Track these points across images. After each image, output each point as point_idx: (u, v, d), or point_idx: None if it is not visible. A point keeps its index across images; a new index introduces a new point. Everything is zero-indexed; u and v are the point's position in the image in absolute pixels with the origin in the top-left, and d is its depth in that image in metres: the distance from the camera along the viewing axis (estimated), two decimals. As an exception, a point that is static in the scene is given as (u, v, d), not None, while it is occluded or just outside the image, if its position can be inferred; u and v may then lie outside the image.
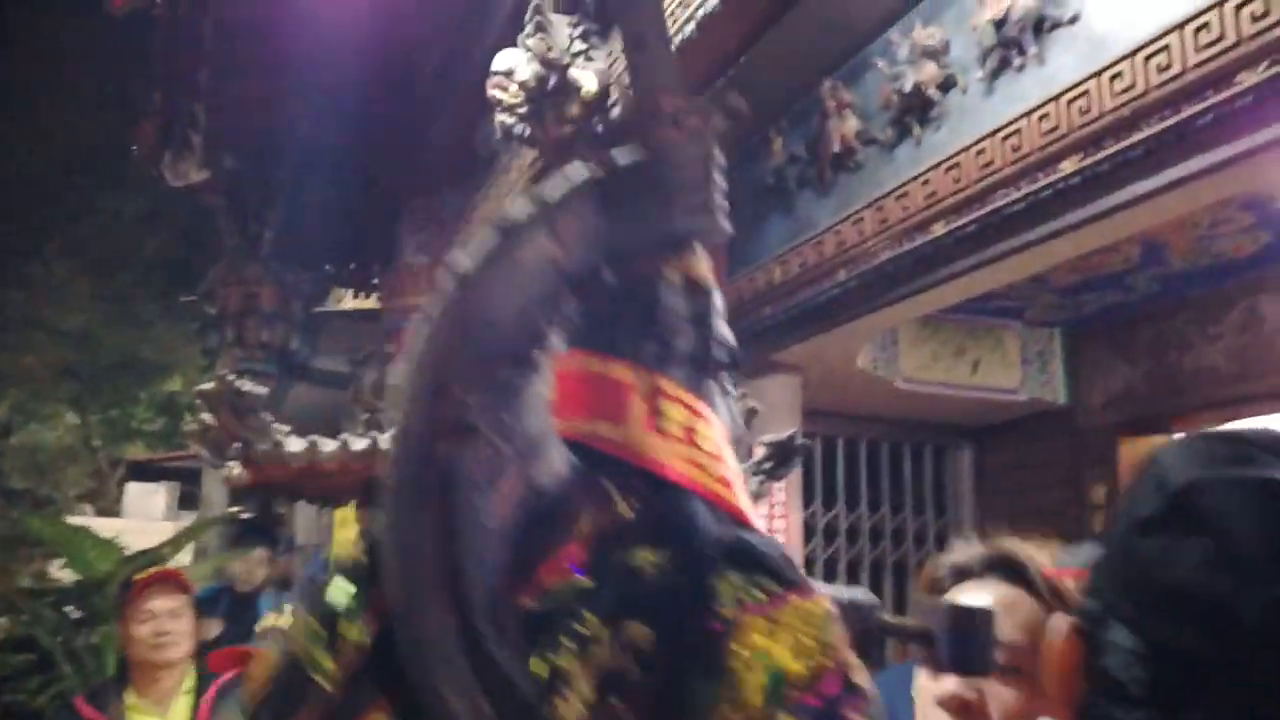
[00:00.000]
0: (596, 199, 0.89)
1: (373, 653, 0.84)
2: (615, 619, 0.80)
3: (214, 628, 5.26)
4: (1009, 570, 1.43)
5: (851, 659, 0.82)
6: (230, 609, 5.91)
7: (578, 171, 0.90)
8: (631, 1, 1.09)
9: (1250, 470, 0.69)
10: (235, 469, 2.04)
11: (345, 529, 2.99)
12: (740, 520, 0.91)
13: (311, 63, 5.11)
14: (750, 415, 2.41)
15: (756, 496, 2.62)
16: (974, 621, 0.96)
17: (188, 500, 16.13)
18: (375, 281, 7.48)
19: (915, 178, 3.24)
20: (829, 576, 5.53)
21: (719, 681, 0.77)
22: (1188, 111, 2.69)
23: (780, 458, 2.81)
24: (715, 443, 0.94)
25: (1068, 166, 2.71)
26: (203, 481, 11.41)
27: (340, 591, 0.88)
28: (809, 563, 4.91)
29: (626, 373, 0.91)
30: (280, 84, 5.39)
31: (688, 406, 0.92)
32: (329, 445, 1.57)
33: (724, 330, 1.02)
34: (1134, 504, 0.75)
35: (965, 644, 0.98)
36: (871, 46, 3.47)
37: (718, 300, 1.02)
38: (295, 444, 1.61)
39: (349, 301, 8.52)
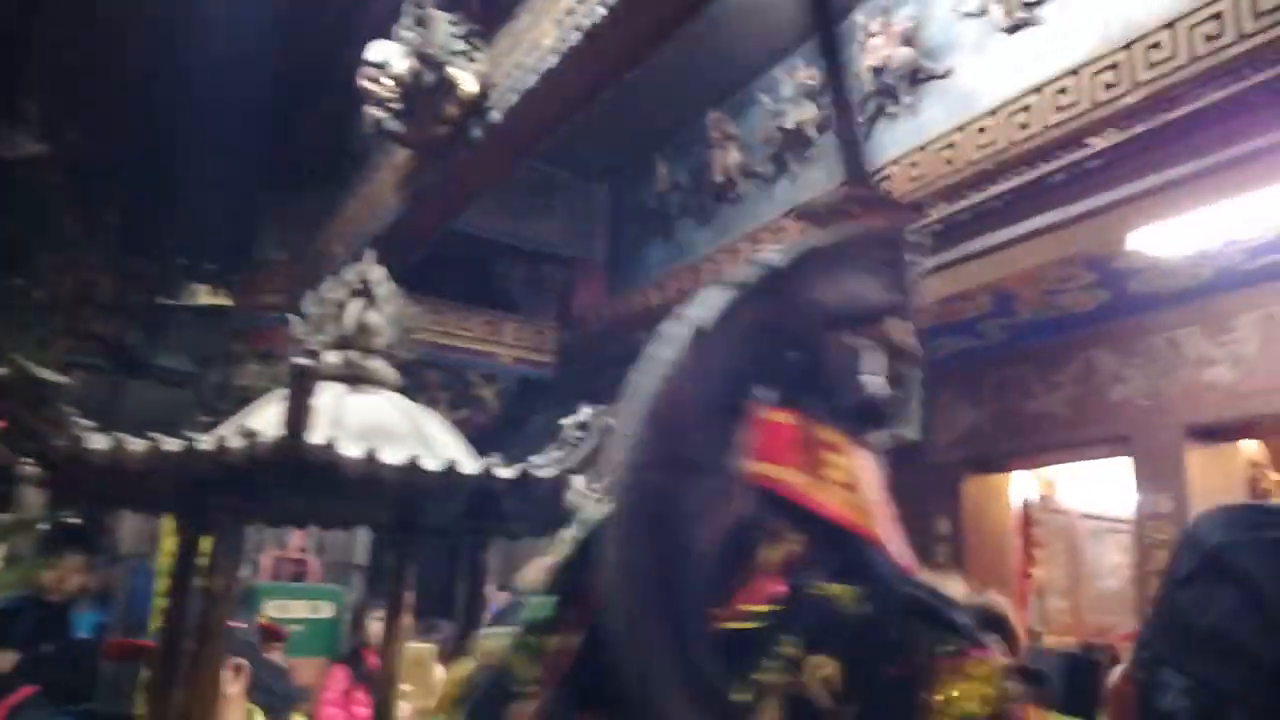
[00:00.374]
0: (815, 268, 0.99)
1: (576, 667, 0.91)
2: (812, 647, 0.85)
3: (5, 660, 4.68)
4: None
5: (1019, 709, 0.88)
6: (38, 620, 5.44)
7: (803, 241, 1.00)
8: (844, 107, 1.26)
9: (1272, 533, 0.82)
10: (31, 466, 1.85)
11: (170, 539, 2.78)
12: (905, 569, 0.99)
13: (170, 41, 4.83)
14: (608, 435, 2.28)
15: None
16: (1087, 667, 1.03)
17: (3, 502, 14.91)
18: (230, 277, 7.13)
19: (789, 213, 3.31)
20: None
21: None
22: (1044, 168, 2.84)
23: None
24: (875, 491, 1.04)
25: (932, 214, 2.81)
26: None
27: (540, 608, 0.96)
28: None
29: (800, 421, 0.99)
30: (135, 59, 5.07)
31: (851, 456, 1.01)
32: (137, 445, 1.44)
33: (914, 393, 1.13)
34: (1175, 566, 0.87)
35: (1077, 687, 1.08)
36: (757, 82, 3.53)
37: (917, 366, 1.11)
38: (98, 441, 1.48)
39: (203, 297, 8.08)
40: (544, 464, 1.65)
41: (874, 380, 1.06)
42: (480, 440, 1.92)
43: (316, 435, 1.46)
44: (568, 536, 0.99)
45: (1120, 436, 4.56)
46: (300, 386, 1.44)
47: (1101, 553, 6.17)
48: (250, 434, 1.46)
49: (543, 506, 1.56)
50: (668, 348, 0.91)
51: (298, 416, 1.44)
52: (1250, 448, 4.52)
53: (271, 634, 2.91)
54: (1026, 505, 5.53)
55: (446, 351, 6.00)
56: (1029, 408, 5.02)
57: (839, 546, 0.95)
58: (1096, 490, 6.21)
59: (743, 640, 0.88)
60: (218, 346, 7.14)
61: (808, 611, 0.88)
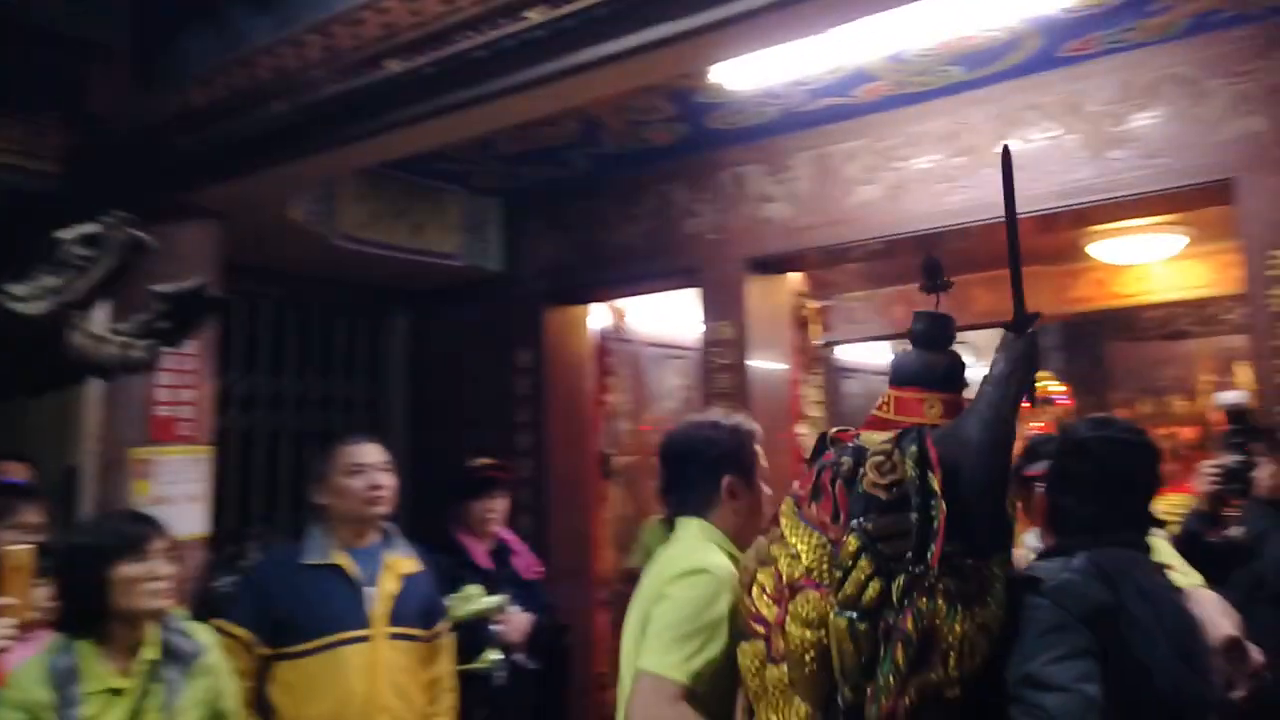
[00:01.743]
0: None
1: None
2: None
3: None
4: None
5: None
6: None
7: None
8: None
9: (1111, 432, 1.89)
10: None
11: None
12: None
13: None
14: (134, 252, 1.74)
15: (142, 365, 2.07)
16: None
17: None
18: None
19: (370, 4, 2.87)
20: (247, 447, 5.08)
21: None
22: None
23: (183, 314, 2.25)
24: None
25: (535, 16, 2.56)
26: None
27: None
28: (224, 433, 4.41)
29: None
30: None
31: None
32: None
33: None
34: (1061, 444, 1.96)
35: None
36: None
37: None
38: None
39: None
40: (29, 293, 1.21)
41: None
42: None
43: None
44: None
45: (691, 268, 4.78)
46: None
47: (663, 377, 6.63)
48: None
49: (33, 353, 1.14)
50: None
51: None
52: (795, 279, 4.96)
53: None
54: (602, 335, 5.70)
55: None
56: (610, 240, 5.09)
57: None
58: (660, 319, 6.59)
59: None
60: None
61: None
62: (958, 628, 1.53)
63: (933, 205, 4.15)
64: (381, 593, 2.70)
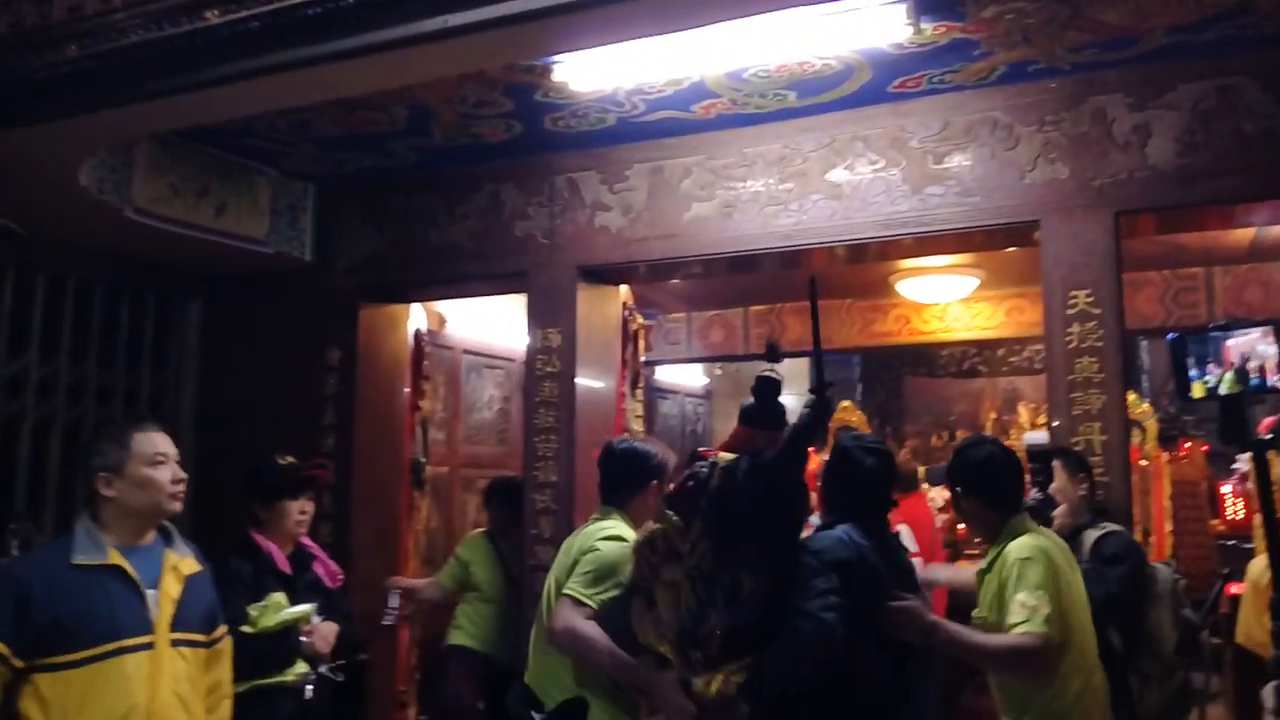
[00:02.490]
0: None
1: None
2: None
3: None
4: None
5: None
6: None
7: None
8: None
9: (870, 443, 2.73)
10: None
11: None
12: None
13: None
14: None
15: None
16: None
17: None
18: None
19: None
20: (8, 439, 4.53)
21: None
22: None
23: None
24: None
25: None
26: None
27: None
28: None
29: None
30: None
31: None
32: None
33: None
34: (832, 458, 2.77)
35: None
36: None
37: None
38: None
39: None
40: None
41: None
42: None
43: None
44: None
45: (519, 272, 4.66)
46: None
47: (481, 387, 6.45)
48: None
49: None
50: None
51: None
52: (624, 291, 4.93)
53: None
54: (419, 337, 5.48)
55: None
56: (434, 237, 4.89)
57: None
58: (481, 326, 6.43)
59: None
60: None
61: None
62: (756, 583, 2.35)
63: (762, 227, 4.21)
64: (164, 596, 2.44)
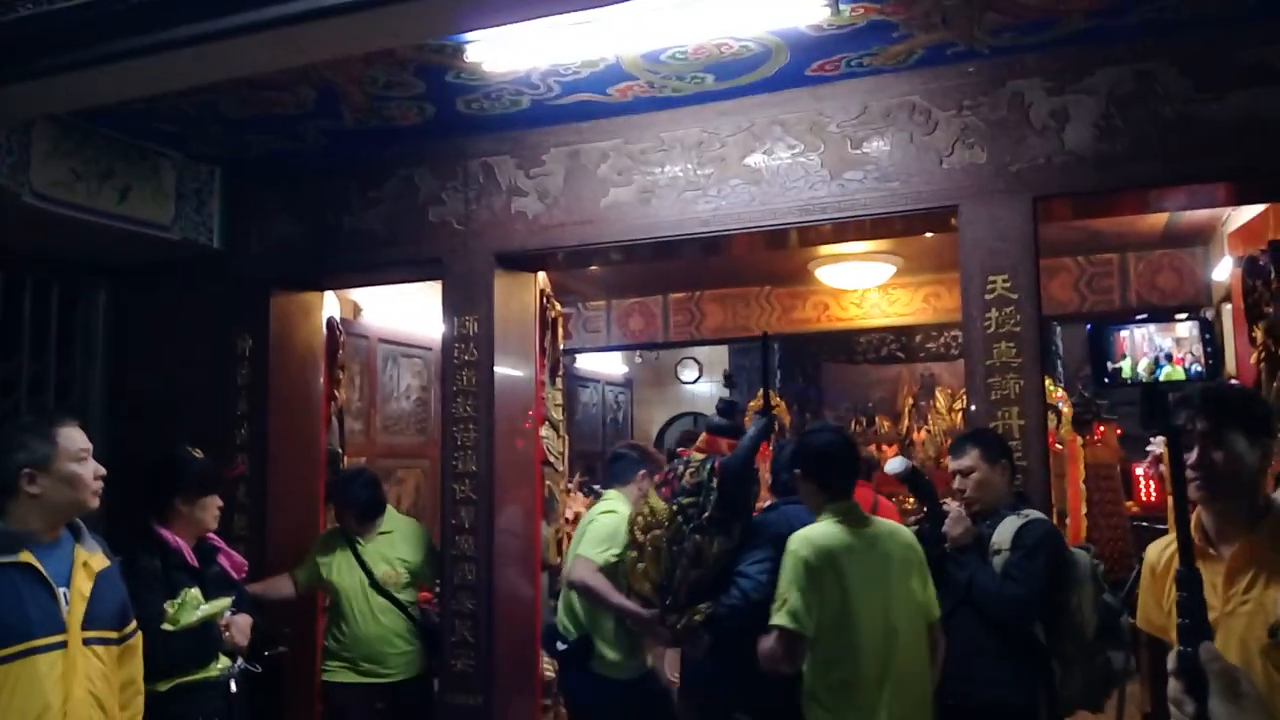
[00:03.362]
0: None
1: None
2: None
3: None
4: None
5: None
6: None
7: None
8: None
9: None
10: None
11: None
12: None
13: None
14: None
15: None
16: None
17: None
18: None
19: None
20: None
21: None
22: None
23: None
24: None
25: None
26: None
27: None
28: None
29: None
30: None
31: None
32: None
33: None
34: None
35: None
36: None
37: None
38: None
39: None
40: None
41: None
42: None
43: None
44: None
45: (435, 258, 4.56)
46: None
47: (397, 375, 6.33)
48: None
49: None
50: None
51: None
52: (542, 279, 4.87)
53: None
54: (333, 325, 5.34)
55: None
56: (346, 223, 4.76)
57: None
58: (396, 315, 6.30)
59: None
60: None
61: None
62: (714, 549, 3.20)
63: (681, 212, 4.18)
64: (75, 593, 2.37)
